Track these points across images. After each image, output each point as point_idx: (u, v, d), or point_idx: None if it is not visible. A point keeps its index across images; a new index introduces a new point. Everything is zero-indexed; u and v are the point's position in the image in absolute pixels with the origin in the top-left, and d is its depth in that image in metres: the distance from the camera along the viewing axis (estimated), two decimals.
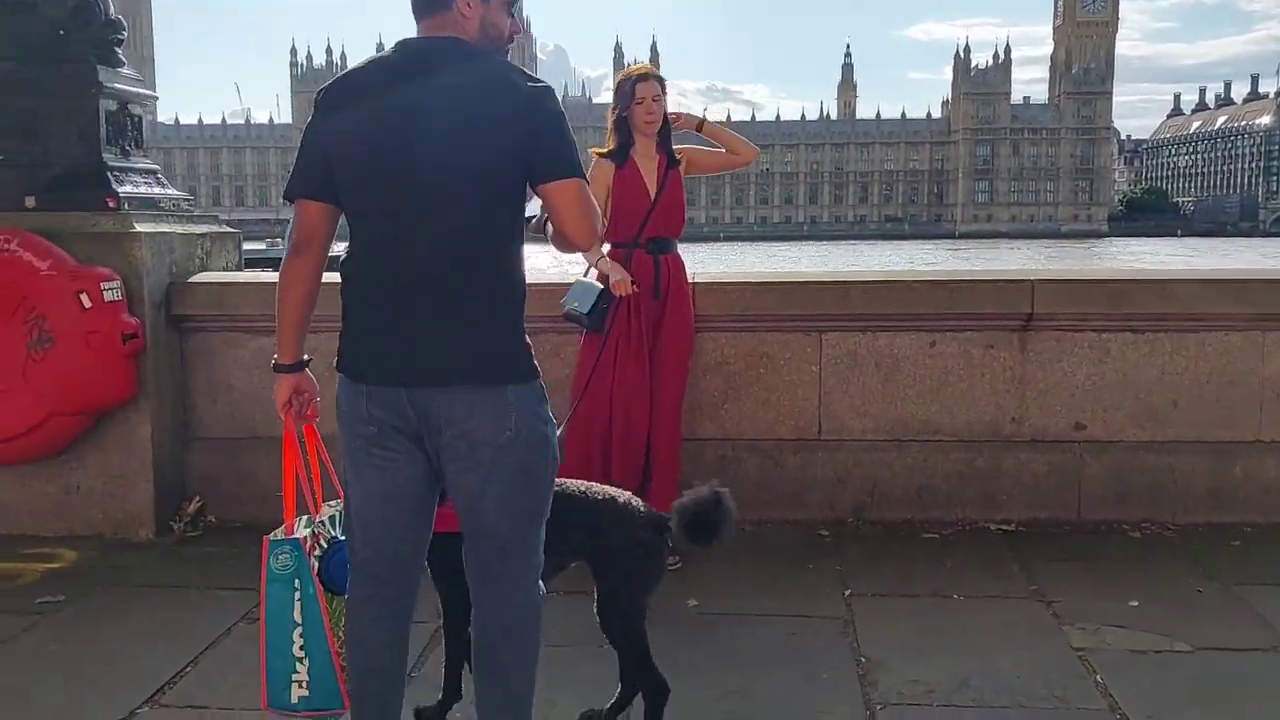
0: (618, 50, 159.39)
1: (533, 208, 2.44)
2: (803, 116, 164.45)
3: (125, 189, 4.77)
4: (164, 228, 4.86)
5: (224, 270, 5.27)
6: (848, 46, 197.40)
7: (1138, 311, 4.74)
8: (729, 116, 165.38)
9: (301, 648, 2.52)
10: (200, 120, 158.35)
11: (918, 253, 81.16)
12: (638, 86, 4.30)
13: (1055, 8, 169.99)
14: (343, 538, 2.55)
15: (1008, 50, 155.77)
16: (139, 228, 4.66)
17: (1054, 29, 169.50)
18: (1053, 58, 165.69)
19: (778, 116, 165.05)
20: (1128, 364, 4.77)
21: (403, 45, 2.37)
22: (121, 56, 5.00)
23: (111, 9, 4.96)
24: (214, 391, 4.95)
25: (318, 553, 2.56)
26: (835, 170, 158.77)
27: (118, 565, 4.41)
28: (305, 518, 2.64)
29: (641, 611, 2.95)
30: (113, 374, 4.45)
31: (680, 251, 4.46)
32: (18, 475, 4.71)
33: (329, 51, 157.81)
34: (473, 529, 2.42)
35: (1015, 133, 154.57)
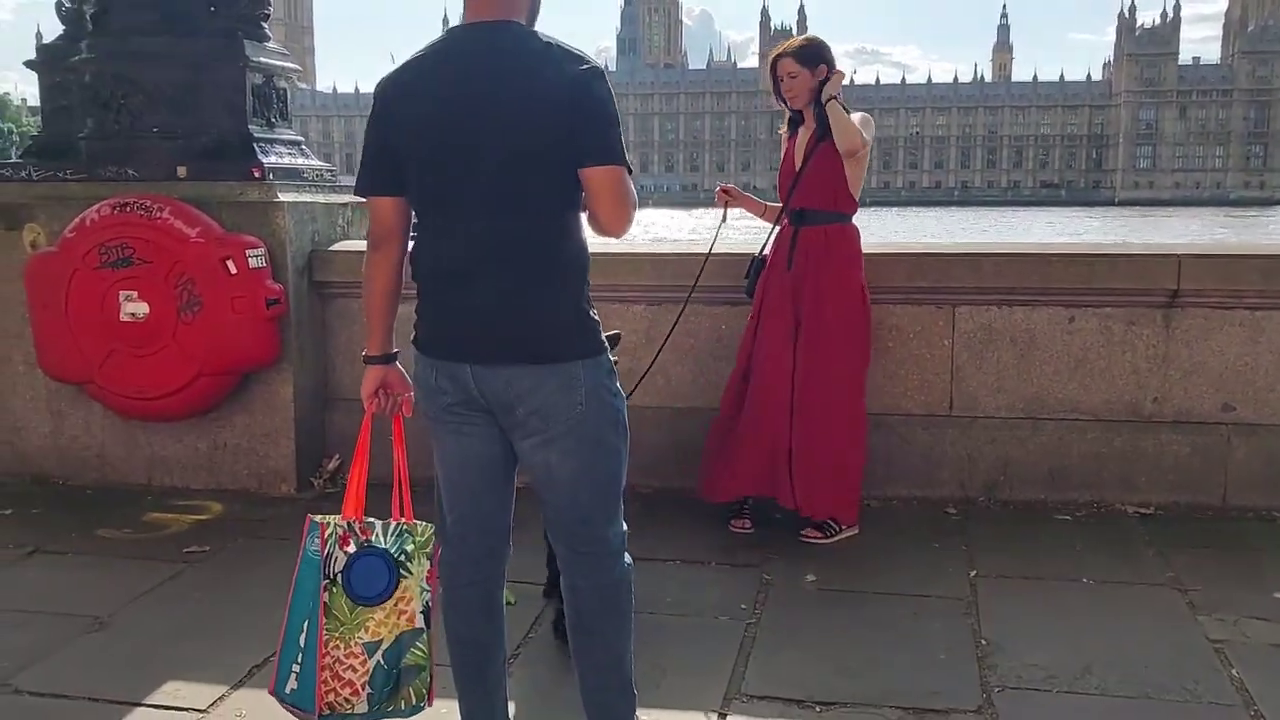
0: (764, 14, 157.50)
1: None
2: (955, 79, 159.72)
3: (270, 159, 4.96)
4: (306, 197, 5.04)
5: (365, 239, 5.42)
6: (1004, 6, 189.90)
7: None
8: (878, 79, 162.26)
9: (305, 638, 2.44)
10: (356, 89, 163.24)
11: (1073, 221, 78.16)
12: (775, 65, 4.30)
13: None
14: (382, 546, 2.49)
15: (1177, 8, 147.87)
16: (282, 197, 4.84)
17: None
18: (1226, 15, 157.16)
19: (929, 79, 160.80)
20: None
21: (455, 32, 2.40)
22: (268, 31, 5.19)
23: None
24: (353, 354, 5.12)
25: (349, 549, 2.46)
26: (989, 134, 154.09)
27: (259, 519, 4.63)
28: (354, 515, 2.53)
29: None
30: (257, 337, 4.66)
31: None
32: (172, 432, 4.99)
33: None
34: (554, 501, 2.47)
35: (1183, 95, 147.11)
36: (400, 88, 2.39)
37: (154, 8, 4.98)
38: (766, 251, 4.41)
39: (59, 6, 5.24)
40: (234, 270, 4.55)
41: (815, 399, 4.26)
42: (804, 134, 4.33)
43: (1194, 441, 4.61)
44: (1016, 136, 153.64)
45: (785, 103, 4.33)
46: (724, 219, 4.46)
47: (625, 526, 2.56)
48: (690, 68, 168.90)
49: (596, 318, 2.44)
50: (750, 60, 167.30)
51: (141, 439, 5.02)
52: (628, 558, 2.56)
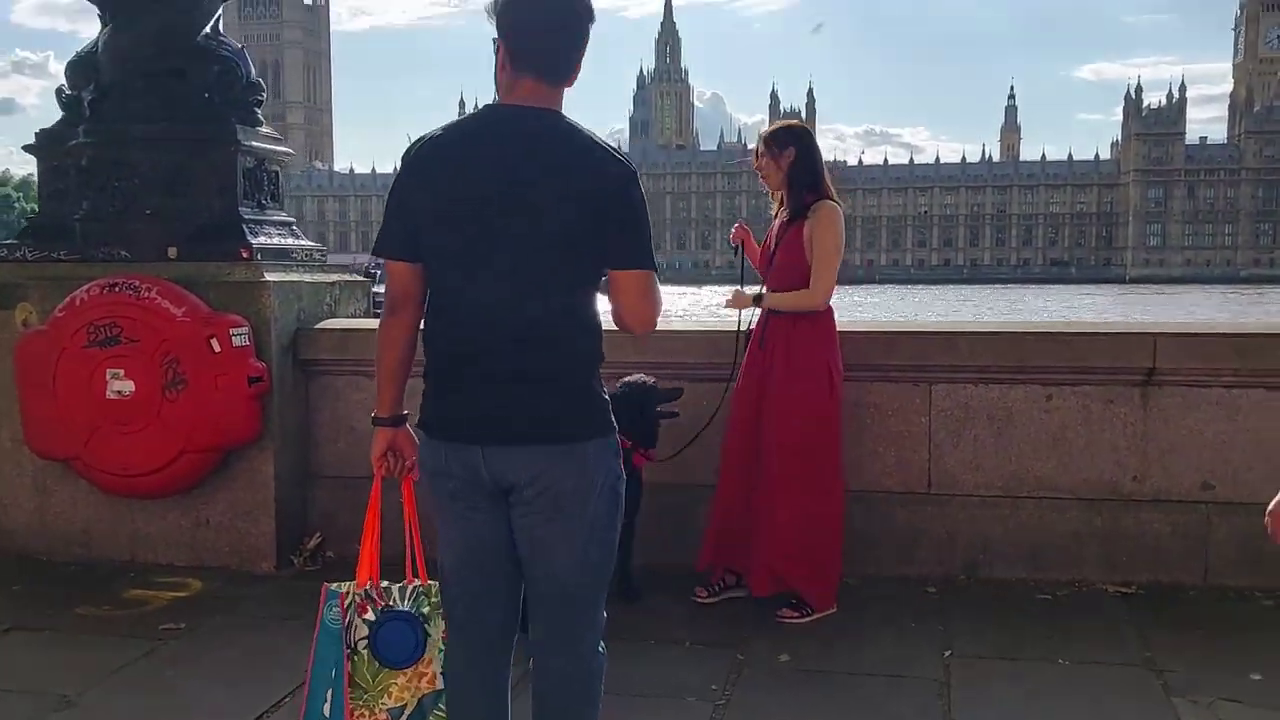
0: (774, 97, 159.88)
1: None
2: (963, 159, 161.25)
3: (259, 240, 5.06)
4: (293, 277, 5.12)
5: (352, 317, 5.51)
6: (1011, 88, 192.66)
7: (1270, 367, 4.49)
8: (886, 160, 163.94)
9: (330, 708, 2.43)
10: (373, 170, 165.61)
11: (1082, 298, 78.28)
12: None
13: (1235, 44, 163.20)
14: (405, 609, 2.49)
15: (1182, 89, 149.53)
16: (269, 277, 4.92)
17: (1234, 66, 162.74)
18: (1232, 96, 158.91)
19: (937, 159, 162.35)
20: (1261, 422, 4.51)
21: (496, 111, 2.40)
22: (260, 116, 5.33)
23: (252, 73, 5.31)
24: (336, 432, 5.16)
25: (369, 616, 2.47)
26: (997, 213, 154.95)
27: (237, 596, 4.63)
28: (369, 582, 2.57)
29: None
30: (239, 414, 4.70)
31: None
32: (156, 508, 5.01)
33: None
34: (543, 580, 2.44)
35: (1190, 174, 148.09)
36: (433, 156, 2.36)
37: (151, 95, 5.12)
38: (748, 326, 4.46)
39: (59, 93, 5.39)
40: (218, 349, 4.62)
41: (781, 478, 4.27)
42: (780, 216, 4.40)
43: (1174, 520, 4.60)
44: (1025, 215, 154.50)
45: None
46: (737, 253, 4.58)
47: (605, 615, 2.55)
48: (702, 148, 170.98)
49: (607, 396, 2.45)
50: None
51: (126, 515, 5.04)
52: (602, 646, 2.55)
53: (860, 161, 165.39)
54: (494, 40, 2.37)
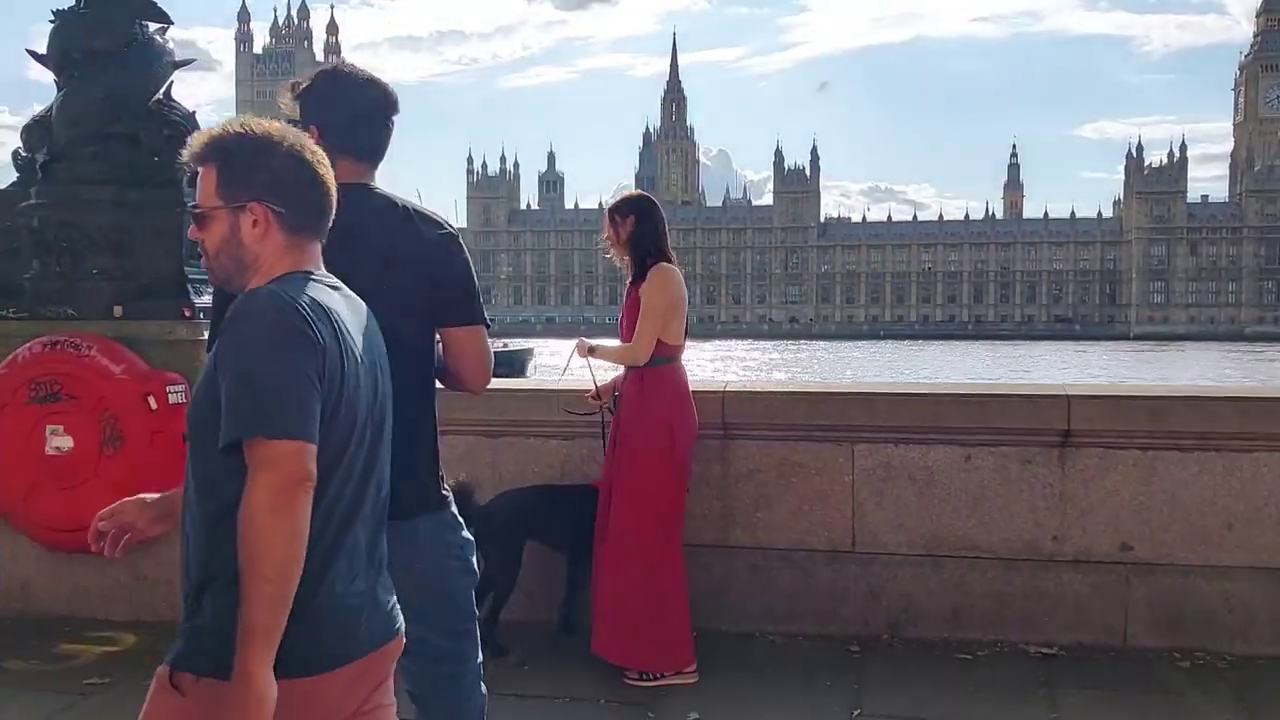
0: (779, 154, 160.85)
1: None
2: (966, 216, 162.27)
3: (202, 300, 5.17)
4: None
5: None
6: (1014, 146, 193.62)
7: (1182, 429, 4.57)
8: (890, 216, 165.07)
9: None
10: None
11: (1082, 356, 78.27)
12: None
13: (1235, 104, 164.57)
14: None
15: (1183, 148, 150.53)
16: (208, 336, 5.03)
17: (1234, 126, 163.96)
18: (1233, 155, 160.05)
19: (940, 216, 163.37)
20: (1176, 483, 4.58)
21: None
22: None
23: None
24: None
25: None
26: (1001, 269, 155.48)
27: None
28: None
29: None
30: (174, 471, 4.77)
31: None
32: (96, 563, 5.06)
33: (503, 159, 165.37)
34: (407, 646, 2.53)
35: (1193, 232, 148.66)
36: None
37: (101, 158, 5.27)
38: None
39: (15, 156, 5.54)
40: (154, 406, 4.72)
41: (612, 540, 4.34)
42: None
43: (1094, 581, 4.65)
44: (1029, 272, 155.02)
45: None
46: (567, 366, 4.75)
47: (481, 657, 2.61)
48: (708, 204, 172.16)
49: (442, 473, 2.51)
50: (766, 198, 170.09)
51: (66, 570, 5.11)
52: (483, 688, 2.60)
53: (864, 218, 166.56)
54: (295, 123, 2.48)
